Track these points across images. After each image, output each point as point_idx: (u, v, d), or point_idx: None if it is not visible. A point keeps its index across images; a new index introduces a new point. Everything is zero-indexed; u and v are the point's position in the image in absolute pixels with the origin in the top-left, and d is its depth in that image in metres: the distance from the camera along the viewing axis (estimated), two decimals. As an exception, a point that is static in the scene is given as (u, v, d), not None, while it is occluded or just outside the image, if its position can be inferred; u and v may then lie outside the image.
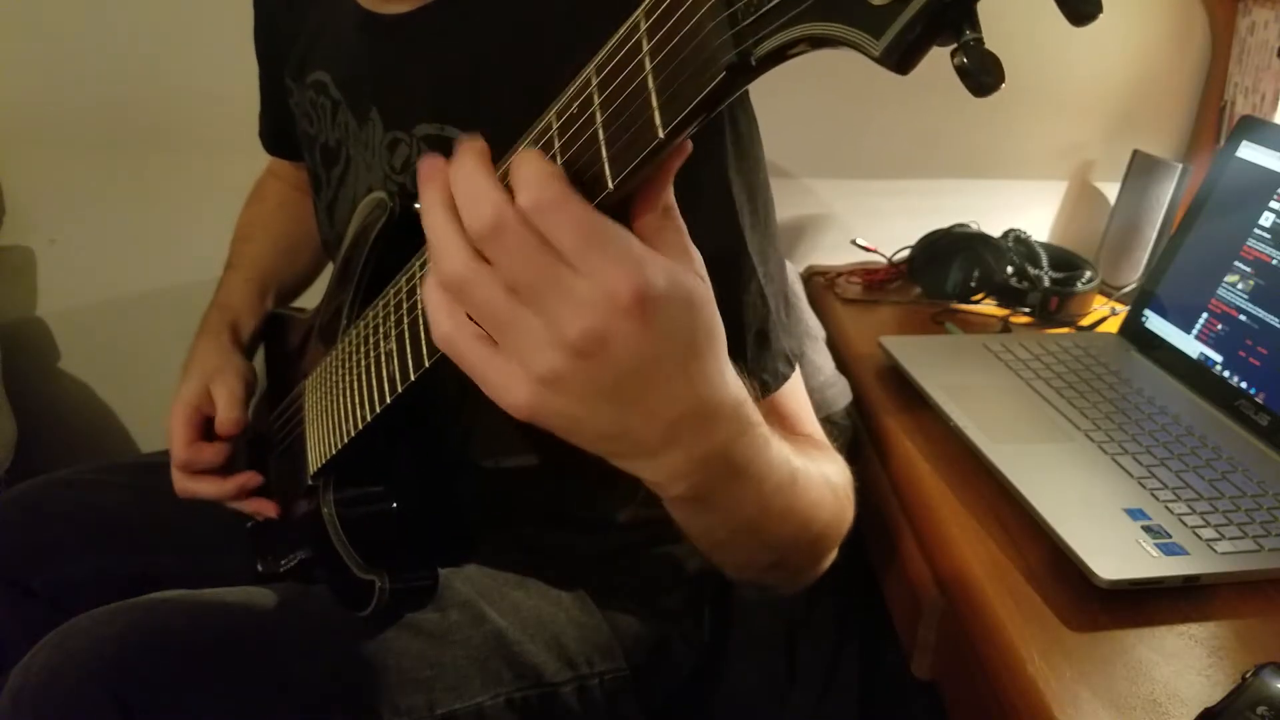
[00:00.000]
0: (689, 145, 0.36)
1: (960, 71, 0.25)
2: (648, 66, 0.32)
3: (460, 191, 0.36)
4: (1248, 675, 0.56)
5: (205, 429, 0.79)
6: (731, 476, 0.43)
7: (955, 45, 0.25)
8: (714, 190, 0.57)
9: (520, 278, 0.35)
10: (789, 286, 1.06)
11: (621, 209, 0.37)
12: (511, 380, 0.37)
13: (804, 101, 1.22)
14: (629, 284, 0.34)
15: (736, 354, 0.59)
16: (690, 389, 0.38)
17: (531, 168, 0.35)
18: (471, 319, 0.38)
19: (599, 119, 0.34)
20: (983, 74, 0.25)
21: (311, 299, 0.87)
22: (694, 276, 0.37)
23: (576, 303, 0.34)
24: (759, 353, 0.60)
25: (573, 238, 0.34)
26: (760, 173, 0.60)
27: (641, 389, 0.36)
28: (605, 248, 0.34)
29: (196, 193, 1.19)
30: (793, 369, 0.63)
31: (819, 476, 0.52)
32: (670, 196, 0.38)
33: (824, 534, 0.54)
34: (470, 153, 0.37)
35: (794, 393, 0.63)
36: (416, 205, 0.62)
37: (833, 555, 0.58)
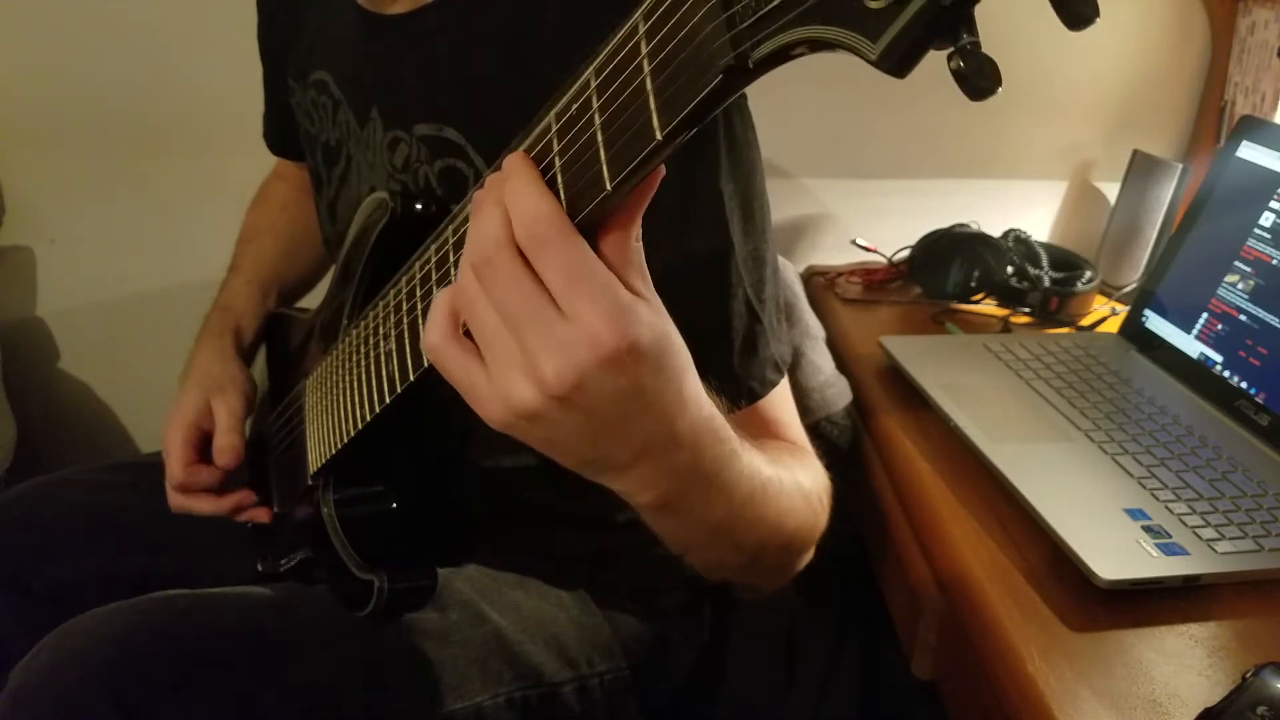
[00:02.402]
0: (662, 169, 0.36)
1: (956, 76, 0.25)
2: (646, 68, 0.32)
3: (474, 216, 0.38)
4: (1248, 675, 0.56)
5: (203, 446, 0.79)
6: (699, 486, 0.44)
7: (952, 49, 0.25)
8: (706, 198, 0.57)
9: (507, 307, 0.36)
10: (787, 290, 1.07)
11: (589, 232, 0.37)
12: (490, 399, 0.38)
13: (804, 101, 1.22)
14: (614, 334, 0.34)
15: (723, 361, 0.59)
16: (662, 422, 0.39)
17: (528, 200, 0.35)
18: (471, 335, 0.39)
19: (598, 120, 0.34)
20: (979, 78, 0.25)
21: (314, 300, 0.87)
22: (665, 319, 0.38)
23: (556, 344, 0.35)
24: (746, 360, 0.61)
25: (561, 279, 0.34)
26: (756, 180, 0.60)
27: (616, 428, 0.38)
28: (593, 293, 0.34)
29: (196, 193, 1.19)
30: (781, 375, 0.63)
31: (791, 484, 0.53)
32: (638, 228, 0.38)
33: (794, 538, 0.55)
34: (511, 174, 0.37)
35: (781, 399, 0.64)
36: (417, 206, 0.63)
37: (807, 557, 0.59)
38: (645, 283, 0.38)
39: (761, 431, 0.62)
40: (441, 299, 0.41)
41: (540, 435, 0.38)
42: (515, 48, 0.60)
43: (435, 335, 0.40)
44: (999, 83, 0.25)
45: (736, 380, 0.60)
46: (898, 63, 0.25)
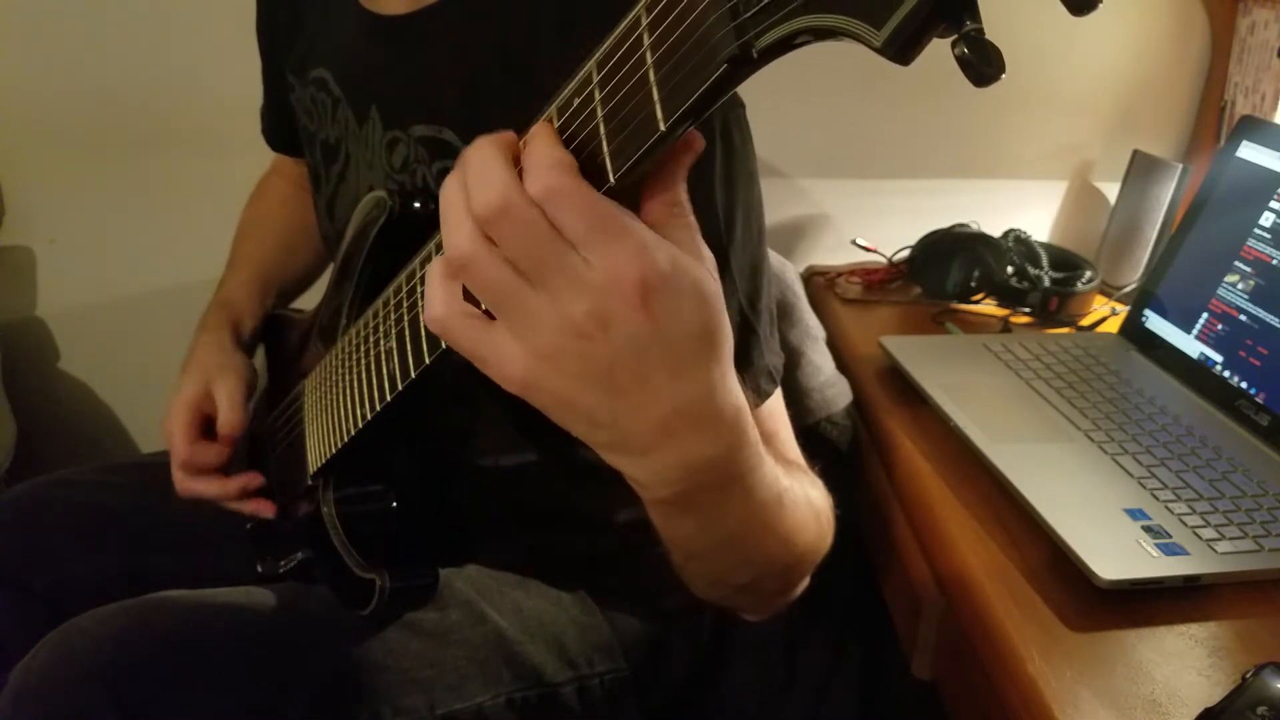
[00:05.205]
0: (702, 141, 0.36)
1: (961, 62, 0.25)
2: (649, 60, 0.32)
3: (470, 173, 0.36)
4: (1248, 675, 0.56)
5: (206, 428, 0.79)
6: (719, 488, 0.42)
7: (956, 36, 0.25)
8: (702, 206, 0.57)
9: (525, 259, 0.35)
10: (788, 290, 1.07)
11: (633, 202, 0.37)
12: (507, 355, 0.37)
13: (805, 102, 1.22)
14: (635, 268, 0.34)
15: None
16: (685, 386, 0.37)
17: (542, 153, 0.35)
18: (471, 300, 0.38)
19: (600, 113, 0.34)
20: (983, 64, 0.25)
21: (311, 299, 0.87)
22: (703, 270, 0.37)
23: (581, 285, 0.34)
24: (740, 369, 0.60)
25: (582, 225, 0.34)
26: (754, 191, 0.60)
27: (636, 377, 0.36)
28: (613, 234, 0.34)
29: (196, 193, 1.19)
30: (775, 385, 0.63)
31: (804, 500, 0.52)
32: (683, 193, 0.38)
33: (802, 558, 0.53)
34: (488, 139, 0.37)
35: (777, 414, 0.63)
36: (416, 204, 0.63)
37: (805, 584, 0.57)
38: (693, 239, 0.37)
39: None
40: (436, 269, 0.39)
41: (556, 388, 0.37)
42: (515, 53, 0.60)
43: (439, 307, 0.39)
44: (1003, 69, 0.25)
45: None
46: (902, 49, 0.25)
